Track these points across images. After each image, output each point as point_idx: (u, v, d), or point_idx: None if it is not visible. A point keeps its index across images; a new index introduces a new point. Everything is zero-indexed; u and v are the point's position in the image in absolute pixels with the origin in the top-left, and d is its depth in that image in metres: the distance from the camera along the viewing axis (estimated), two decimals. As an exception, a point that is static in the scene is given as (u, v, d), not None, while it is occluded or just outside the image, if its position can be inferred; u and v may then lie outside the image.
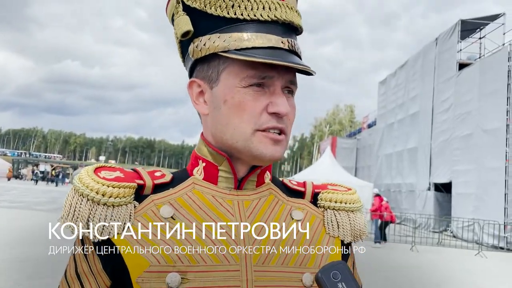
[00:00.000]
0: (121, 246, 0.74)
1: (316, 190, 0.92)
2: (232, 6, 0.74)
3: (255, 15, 0.74)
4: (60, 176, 43.77)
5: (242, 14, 0.74)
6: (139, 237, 0.74)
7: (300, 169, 75.56)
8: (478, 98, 16.26)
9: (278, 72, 0.75)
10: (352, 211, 0.90)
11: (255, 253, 0.77)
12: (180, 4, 0.78)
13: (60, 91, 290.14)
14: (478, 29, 20.05)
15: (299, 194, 0.90)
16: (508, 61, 15.02)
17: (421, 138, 21.04)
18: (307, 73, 0.77)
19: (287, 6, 0.77)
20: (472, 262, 11.15)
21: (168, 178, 0.83)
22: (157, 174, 0.84)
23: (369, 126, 32.57)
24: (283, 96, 0.76)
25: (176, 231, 0.76)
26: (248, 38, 0.73)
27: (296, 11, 0.79)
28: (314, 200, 0.91)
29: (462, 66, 18.28)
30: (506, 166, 14.56)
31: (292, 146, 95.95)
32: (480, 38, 20.09)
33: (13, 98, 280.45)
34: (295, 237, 0.81)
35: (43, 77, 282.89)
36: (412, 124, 22.08)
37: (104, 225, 0.73)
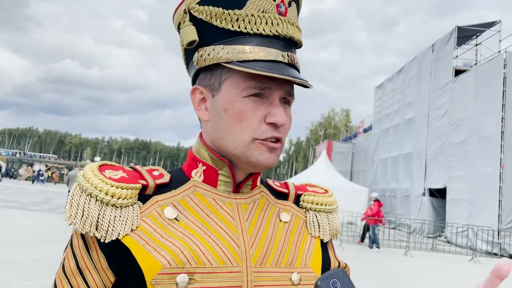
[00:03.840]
0: (131, 247, 0.75)
1: (298, 192, 0.97)
2: (237, 20, 0.78)
3: (258, 29, 0.78)
4: (42, 177, 43.72)
5: (246, 28, 0.77)
6: (147, 238, 0.76)
7: (296, 173, 75.48)
8: (474, 104, 16.36)
9: (277, 84, 0.79)
10: (330, 212, 0.97)
11: (254, 255, 0.80)
12: (187, 14, 0.81)
13: (58, 91, 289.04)
14: (475, 36, 20.20)
15: (284, 196, 0.95)
16: (504, 68, 15.13)
17: (416, 143, 21.12)
18: (304, 85, 0.81)
19: (288, 21, 0.81)
20: (466, 268, 11.20)
21: (167, 178, 0.85)
22: (155, 173, 0.86)
23: (365, 130, 32.64)
24: (281, 107, 0.79)
25: (182, 232, 0.78)
26: (250, 51, 0.77)
27: (297, 27, 0.84)
28: (297, 201, 0.96)
29: (458, 72, 18.40)
30: (500, 173, 14.64)
31: (288, 149, 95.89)
32: (476, 45, 20.24)
33: (10, 97, 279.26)
34: (284, 238, 0.86)
35: (41, 76, 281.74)
36: (408, 130, 22.16)
37: (113, 226, 0.75)
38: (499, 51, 16.95)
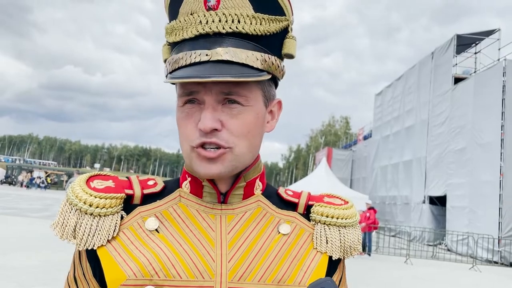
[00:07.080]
0: (103, 258, 0.75)
1: (310, 202, 0.89)
2: (173, 31, 0.77)
3: (182, 35, 0.75)
4: (43, 184, 43.79)
5: (176, 36, 0.76)
6: (121, 249, 0.76)
7: (296, 180, 75.34)
8: (473, 112, 16.38)
9: (204, 86, 0.73)
10: (344, 227, 0.87)
11: (231, 270, 0.76)
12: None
13: (59, 97, 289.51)
14: (474, 44, 20.27)
15: (292, 206, 0.88)
16: (503, 76, 15.16)
17: (416, 151, 21.11)
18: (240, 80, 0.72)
19: (217, 14, 0.73)
20: (466, 276, 11.13)
21: (159, 187, 0.84)
22: (150, 183, 0.85)
23: (365, 138, 32.64)
24: (207, 111, 0.73)
25: (157, 244, 0.76)
26: (175, 59, 0.75)
27: (236, 14, 0.73)
28: (308, 212, 0.88)
29: (457, 80, 18.45)
30: (500, 180, 14.62)
31: (288, 156, 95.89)
32: (475, 53, 20.31)
33: (11, 103, 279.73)
34: (277, 253, 0.79)
35: (43, 83, 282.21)
36: (408, 137, 22.17)
37: (88, 235, 0.75)
38: (498, 59, 16.99)
